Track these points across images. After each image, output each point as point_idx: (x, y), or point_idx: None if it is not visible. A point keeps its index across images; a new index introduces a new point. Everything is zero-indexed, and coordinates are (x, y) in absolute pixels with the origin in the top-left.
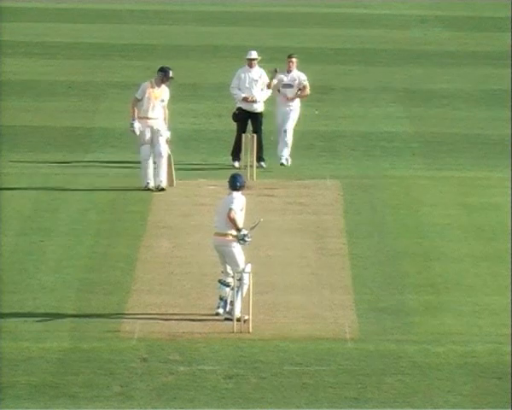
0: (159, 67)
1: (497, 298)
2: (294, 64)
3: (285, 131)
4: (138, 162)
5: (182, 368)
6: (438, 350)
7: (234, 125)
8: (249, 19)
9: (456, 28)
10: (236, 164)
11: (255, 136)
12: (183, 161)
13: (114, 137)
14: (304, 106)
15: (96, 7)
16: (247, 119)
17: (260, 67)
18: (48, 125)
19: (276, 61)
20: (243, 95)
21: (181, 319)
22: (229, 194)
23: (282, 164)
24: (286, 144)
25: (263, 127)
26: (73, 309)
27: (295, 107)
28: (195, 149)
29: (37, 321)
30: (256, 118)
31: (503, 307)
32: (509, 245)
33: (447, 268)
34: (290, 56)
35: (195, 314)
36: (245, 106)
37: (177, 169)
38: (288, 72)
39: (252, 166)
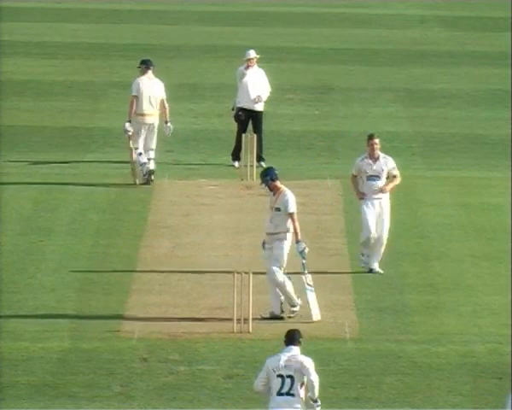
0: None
1: (497, 298)
2: (379, 147)
3: (381, 243)
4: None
5: (182, 368)
6: (438, 350)
7: (234, 125)
8: (249, 19)
9: (456, 28)
10: (236, 164)
11: (255, 136)
12: (183, 160)
13: (114, 137)
14: (304, 106)
15: (96, 7)
16: (247, 118)
17: (260, 66)
18: (48, 125)
19: (276, 61)
20: (251, 95)
21: (181, 319)
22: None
23: (371, 270)
24: (379, 255)
25: (263, 127)
26: (73, 309)
27: (386, 201)
28: (195, 149)
29: (37, 321)
30: (256, 117)
31: (503, 307)
32: (509, 245)
33: (447, 268)
34: (372, 137)
35: (195, 314)
36: (246, 105)
37: (177, 169)
38: (372, 158)
39: (252, 166)
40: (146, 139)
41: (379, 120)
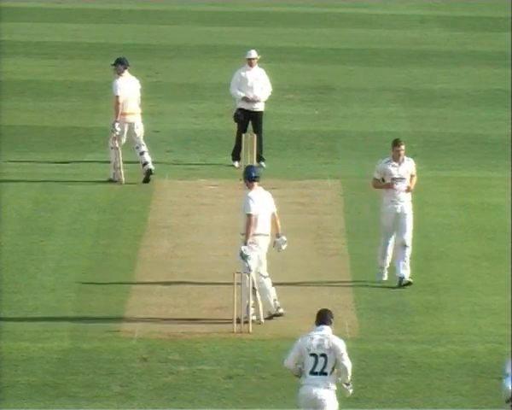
0: (115, 60)
1: (497, 298)
2: (404, 152)
3: (404, 246)
4: (138, 162)
5: (182, 368)
6: (438, 350)
7: (234, 125)
8: (249, 19)
9: (456, 28)
10: (236, 164)
11: (255, 136)
12: (183, 160)
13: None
14: (304, 106)
15: (96, 7)
16: (247, 119)
17: (260, 66)
18: (48, 125)
19: (276, 61)
20: (243, 94)
21: (181, 319)
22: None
23: (403, 284)
24: (405, 262)
25: (263, 127)
26: (73, 309)
27: (407, 203)
28: (195, 149)
29: (37, 321)
30: (256, 117)
31: (503, 307)
32: (509, 245)
33: (447, 268)
34: (398, 143)
35: (195, 314)
36: (245, 106)
37: (177, 169)
38: (397, 161)
39: None
40: (132, 137)
41: (379, 120)
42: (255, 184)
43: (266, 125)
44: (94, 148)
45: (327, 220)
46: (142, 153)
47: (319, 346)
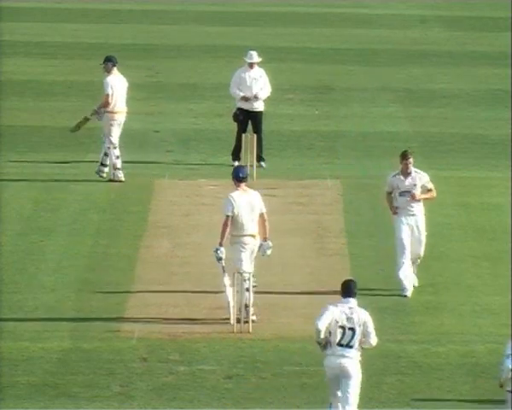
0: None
1: (497, 298)
2: (412, 164)
3: (418, 258)
4: (138, 162)
5: (182, 368)
6: (438, 350)
7: (234, 125)
8: (249, 19)
9: (456, 28)
10: (236, 164)
11: (255, 136)
12: (183, 160)
13: None
14: (304, 106)
15: (96, 7)
16: (247, 119)
17: (260, 67)
18: (48, 125)
19: (276, 61)
20: (242, 94)
21: (181, 319)
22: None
23: (405, 296)
24: (415, 276)
25: (263, 127)
26: (73, 309)
27: (421, 218)
28: (195, 149)
29: (37, 321)
30: (256, 117)
31: (503, 307)
32: (509, 245)
33: (447, 268)
34: (406, 156)
35: (195, 314)
36: (245, 106)
37: (177, 169)
38: (404, 174)
39: (252, 166)
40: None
41: (379, 120)
42: (242, 184)
43: (266, 125)
44: (94, 148)
45: (327, 220)
46: (114, 155)
47: (348, 319)
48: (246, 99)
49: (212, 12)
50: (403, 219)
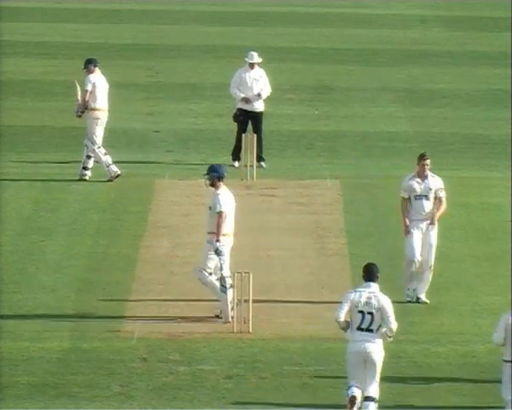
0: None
1: (497, 298)
2: (429, 167)
3: (428, 270)
4: (138, 162)
5: (182, 368)
6: (438, 350)
7: (234, 125)
8: (249, 19)
9: (456, 28)
10: (236, 164)
11: (255, 136)
12: (183, 160)
13: (114, 137)
14: (304, 106)
15: (96, 7)
16: (247, 119)
17: (260, 67)
18: (48, 125)
19: (276, 61)
20: (242, 95)
21: (181, 319)
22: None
23: (418, 299)
24: (427, 283)
25: (263, 127)
26: (73, 309)
27: (434, 227)
28: (195, 149)
29: (37, 321)
30: (256, 118)
31: (503, 307)
32: (509, 245)
33: (447, 268)
34: (424, 158)
35: (195, 314)
36: (245, 106)
37: (177, 169)
38: (421, 177)
39: (252, 166)
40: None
41: (379, 120)
42: (222, 183)
43: (266, 125)
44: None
45: (327, 220)
46: (102, 153)
47: (367, 304)
48: (246, 100)
49: (212, 12)
50: (415, 224)
